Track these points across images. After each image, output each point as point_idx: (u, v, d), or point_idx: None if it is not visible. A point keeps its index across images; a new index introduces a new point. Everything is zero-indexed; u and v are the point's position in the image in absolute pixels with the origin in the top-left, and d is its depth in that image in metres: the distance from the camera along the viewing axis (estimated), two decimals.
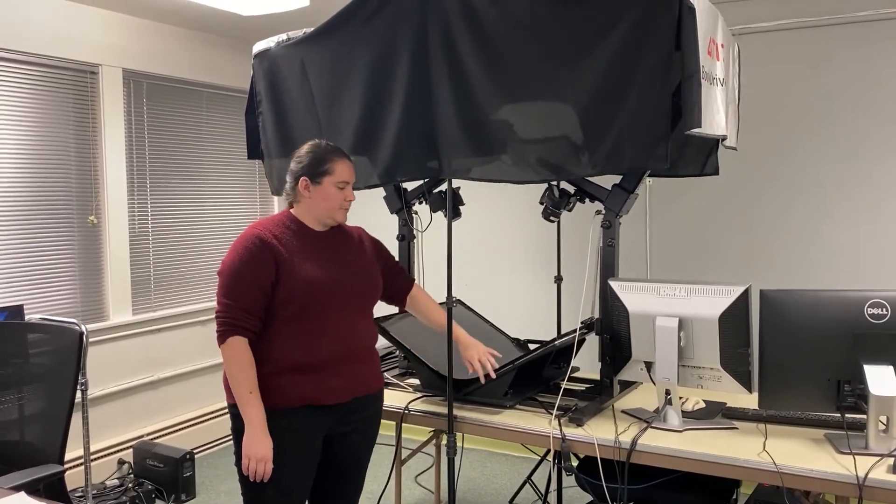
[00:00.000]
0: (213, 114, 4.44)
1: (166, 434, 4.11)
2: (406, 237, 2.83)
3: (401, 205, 2.80)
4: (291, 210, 2.13)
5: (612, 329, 2.30)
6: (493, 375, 2.24)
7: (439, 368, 2.41)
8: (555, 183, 2.51)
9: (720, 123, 2.16)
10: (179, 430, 4.18)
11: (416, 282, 2.45)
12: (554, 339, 2.47)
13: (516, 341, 2.96)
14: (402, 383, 2.67)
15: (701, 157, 2.64)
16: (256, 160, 2.76)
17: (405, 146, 2.25)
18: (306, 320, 2.00)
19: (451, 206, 2.25)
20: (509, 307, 4.17)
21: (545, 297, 3.94)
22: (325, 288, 2.03)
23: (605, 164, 1.98)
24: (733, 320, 2.10)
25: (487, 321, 2.97)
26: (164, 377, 4.14)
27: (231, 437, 2.33)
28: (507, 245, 4.24)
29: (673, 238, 3.78)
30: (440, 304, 2.86)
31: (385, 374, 2.77)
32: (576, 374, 2.77)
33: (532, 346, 2.94)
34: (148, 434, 4.02)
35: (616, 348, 2.31)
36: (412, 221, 2.80)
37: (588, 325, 2.44)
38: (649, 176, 2.41)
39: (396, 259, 2.44)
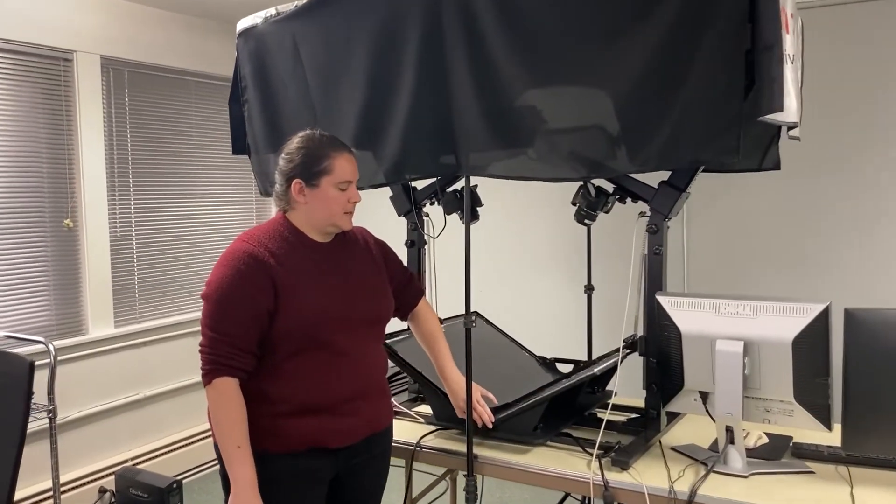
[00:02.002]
0: (202, 104, 4.18)
1: (154, 458, 3.85)
2: (416, 243, 2.54)
3: (410, 206, 2.50)
4: (286, 216, 1.84)
5: (661, 352, 2.02)
6: (489, 424, 2.00)
7: None
8: (590, 180, 2.21)
9: (791, 107, 1.85)
10: (168, 452, 3.92)
11: (424, 294, 2.16)
12: (590, 363, 2.18)
13: (542, 361, 2.66)
14: (411, 412, 2.38)
15: (759, 149, 2.33)
16: (244, 155, 2.47)
17: (415, 139, 1.97)
18: (313, 356, 1.75)
19: (469, 207, 1.96)
20: (533, 320, 3.87)
21: (574, 309, 3.63)
22: (336, 316, 1.78)
23: (657, 159, 1.70)
24: (810, 344, 1.81)
25: (510, 337, 2.68)
26: (150, 395, 3.88)
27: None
28: (529, 249, 3.93)
29: (716, 243, 3.44)
30: (453, 317, 2.59)
31: (392, 399, 2.48)
32: (613, 400, 2.47)
33: (560, 367, 2.65)
34: (133, 458, 3.75)
35: (665, 375, 2.03)
36: (423, 225, 2.51)
37: (630, 345, 2.14)
38: (704, 170, 2.10)
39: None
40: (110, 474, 3.61)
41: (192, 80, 4.12)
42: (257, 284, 1.70)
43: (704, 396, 1.98)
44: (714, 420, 1.93)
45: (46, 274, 3.44)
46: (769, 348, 1.85)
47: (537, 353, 2.69)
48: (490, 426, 2.01)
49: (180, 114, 4.08)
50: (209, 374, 1.69)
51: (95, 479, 3.59)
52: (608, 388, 2.49)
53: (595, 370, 1.96)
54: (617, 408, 2.45)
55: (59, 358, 3.44)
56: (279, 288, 1.72)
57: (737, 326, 1.90)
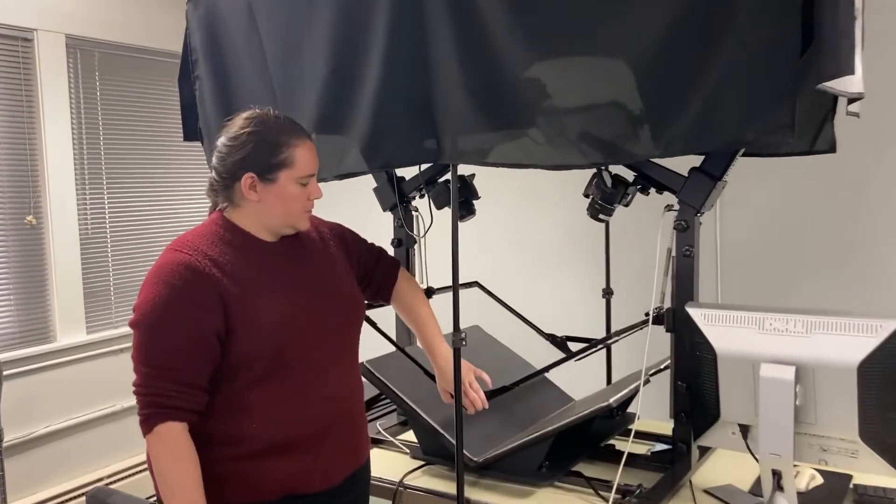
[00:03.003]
0: None
1: (131, 475, 3.60)
2: (404, 242, 2.23)
3: (396, 200, 2.19)
4: (225, 215, 1.54)
5: (692, 375, 1.70)
6: (485, 405, 1.73)
7: (447, 430, 1.82)
8: (605, 167, 1.88)
9: (859, 73, 1.49)
10: (146, 470, 3.65)
11: (399, 265, 1.88)
12: (608, 338, 1.85)
13: (552, 339, 2.33)
14: (396, 441, 2.07)
15: (812, 127, 1.98)
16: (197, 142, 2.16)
17: (389, 119, 1.68)
18: (281, 381, 1.48)
19: (458, 201, 1.64)
20: (543, 325, 3.51)
21: (590, 316, 3.27)
22: (304, 328, 1.51)
23: (688, 140, 1.38)
24: (881, 370, 1.51)
25: (510, 308, 2.37)
26: (127, 407, 3.62)
27: None
28: (538, 248, 3.58)
29: (756, 242, 3.04)
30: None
31: (374, 423, 2.19)
32: (636, 425, 2.14)
33: (571, 347, 2.31)
34: (109, 476, 3.51)
35: (697, 402, 1.72)
36: (411, 223, 2.19)
37: (656, 317, 1.80)
38: (744, 154, 1.77)
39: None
40: (80, 495, 3.36)
41: (173, 62, 3.82)
42: (200, 302, 1.41)
43: (745, 430, 1.66)
44: (757, 460, 1.60)
45: (7, 277, 3.18)
46: (828, 375, 1.52)
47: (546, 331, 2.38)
48: (485, 406, 1.73)
49: (160, 99, 3.80)
50: (149, 420, 1.40)
51: (66, 501, 3.34)
52: (630, 408, 2.17)
53: (611, 401, 1.63)
54: (640, 435, 2.12)
55: (24, 368, 3.20)
56: (229, 304, 1.43)
57: (786, 347, 1.57)
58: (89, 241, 3.50)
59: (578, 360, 1.94)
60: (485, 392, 1.73)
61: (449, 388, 1.72)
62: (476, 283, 2.40)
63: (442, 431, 1.84)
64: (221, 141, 1.52)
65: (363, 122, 1.69)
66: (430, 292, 2.16)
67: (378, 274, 1.81)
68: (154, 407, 1.39)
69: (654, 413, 2.18)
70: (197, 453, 1.41)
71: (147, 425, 1.39)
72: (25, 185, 3.22)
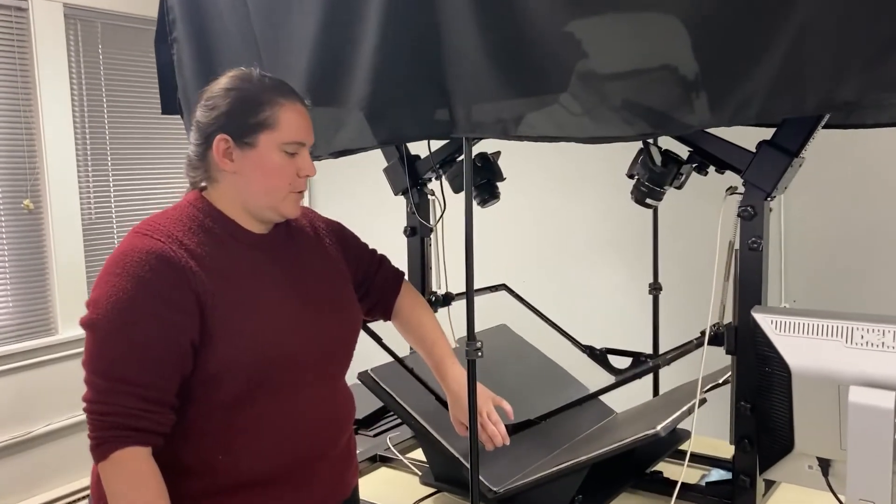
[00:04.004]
0: None
1: None
2: (418, 231, 1.97)
3: (410, 182, 1.93)
4: (204, 195, 1.32)
5: (759, 394, 1.42)
6: (506, 441, 1.48)
7: (464, 454, 1.57)
8: (652, 142, 1.59)
9: None
10: None
11: (405, 277, 1.64)
12: (656, 356, 1.58)
13: (590, 351, 2.05)
14: (405, 460, 1.83)
15: None
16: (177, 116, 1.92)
17: (391, 85, 1.44)
18: (261, 402, 1.25)
19: (471, 184, 1.38)
20: (581, 326, 3.21)
21: (637, 314, 2.95)
22: (293, 340, 1.29)
23: (764, 104, 1.09)
24: None
25: (542, 315, 2.10)
26: None
27: None
28: (575, 236, 3.27)
29: (831, 231, 2.68)
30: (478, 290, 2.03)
31: (383, 437, 1.95)
32: (689, 446, 1.86)
33: (613, 362, 2.04)
34: None
35: (764, 428, 1.44)
36: (427, 208, 1.94)
37: (713, 337, 1.54)
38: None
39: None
40: (84, 497, 3.23)
41: None
42: (173, 301, 1.18)
43: (826, 465, 1.39)
44: (840, 503, 1.32)
45: (3, 265, 3.03)
46: None
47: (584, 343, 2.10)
48: (506, 443, 1.48)
49: None
50: (104, 445, 1.16)
51: (77, 499, 3.21)
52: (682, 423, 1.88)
53: (658, 428, 1.36)
54: (693, 458, 1.83)
55: (23, 363, 3.07)
56: (206, 306, 1.20)
57: (883, 366, 1.28)
58: (93, 227, 3.34)
59: (620, 379, 1.67)
60: (507, 425, 1.47)
61: (463, 417, 1.47)
62: (504, 287, 2.13)
63: (457, 455, 1.58)
64: (199, 105, 1.30)
65: (360, 89, 1.44)
66: (448, 299, 1.91)
67: (378, 284, 1.57)
68: (113, 429, 1.15)
69: (711, 429, 1.88)
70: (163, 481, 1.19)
71: (101, 451, 1.16)
72: (22, 168, 3.06)
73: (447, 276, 2.04)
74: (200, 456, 1.23)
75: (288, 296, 1.31)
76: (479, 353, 1.39)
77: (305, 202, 4.20)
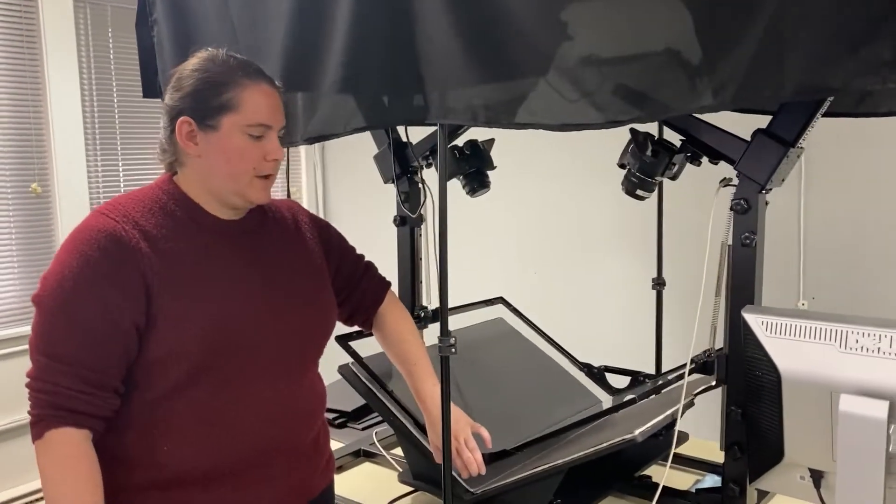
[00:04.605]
0: None
1: None
2: (408, 221, 1.92)
3: (400, 170, 1.88)
4: (174, 179, 1.30)
5: (748, 399, 1.35)
6: (482, 471, 1.41)
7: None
8: (643, 129, 1.51)
9: None
10: None
11: (390, 286, 1.60)
12: (656, 376, 1.52)
13: (587, 370, 2.01)
14: (388, 456, 1.79)
15: None
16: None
17: (364, 71, 1.38)
18: (209, 393, 1.22)
19: (444, 171, 1.33)
20: (580, 322, 3.15)
21: (640, 311, 2.87)
22: (249, 330, 1.25)
23: (743, 87, 1.03)
24: None
25: (545, 335, 2.04)
26: None
27: None
28: (576, 228, 3.19)
29: (855, 227, 2.57)
30: (469, 305, 1.98)
31: (370, 429, 1.91)
32: (682, 449, 1.80)
33: (610, 381, 1.99)
34: None
35: (755, 435, 1.37)
36: (417, 197, 1.89)
37: (701, 366, 1.48)
38: (831, 114, 1.38)
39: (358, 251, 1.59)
40: None
41: None
42: (118, 282, 1.16)
43: (818, 477, 1.31)
44: None
45: (10, 250, 3.05)
46: None
47: (582, 360, 2.05)
48: (482, 472, 1.42)
49: None
50: (40, 424, 1.15)
51: None
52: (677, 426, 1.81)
53: (636, 433, 1.29)
54: (688, 461, 1.77)
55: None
56: (153, 288, 1.18)
57: (878, 373, 1.20)
58: None
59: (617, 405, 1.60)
60: (484, 454, 1.42)
61: (439, 446, 1.41)
62: (500, 300, 2.08)
63: (433, 451, 1.53)
64: (169, 84, 1.27)
65: (333, 73, 1.39)
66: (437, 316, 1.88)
67: (361, 290, 1.52)
68: (49, 407, 1.14)
69: (711, 431, 1.81)
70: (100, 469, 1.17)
71: (36, 430, 1.15)
72: (30, 151, 3.07)
73: (431, 266, 1.99)
74: (143, 446, 1.20)
75: (249, 282, 1.27)
76: (453, 350, 1.34)
77: (320, 192, 4.18)
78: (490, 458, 1.44)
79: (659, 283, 2.09)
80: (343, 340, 1.70)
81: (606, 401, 1.93)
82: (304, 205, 4.16)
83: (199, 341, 1.19)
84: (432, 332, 1.69)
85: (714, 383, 1.57)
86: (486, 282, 3.35)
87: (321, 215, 4.26)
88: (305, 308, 1.34)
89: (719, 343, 1.47)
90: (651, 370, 2.15)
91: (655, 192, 2.04)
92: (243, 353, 1.24)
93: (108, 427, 1.19)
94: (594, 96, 1.12)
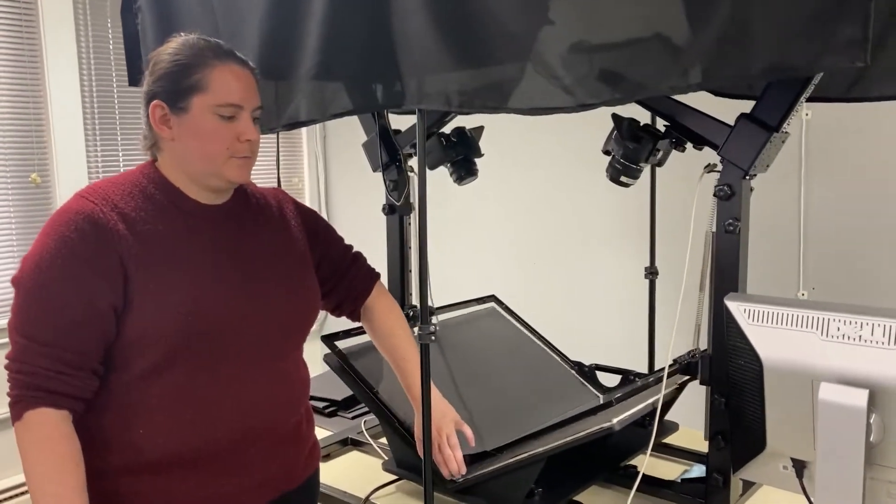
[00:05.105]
0: None
1: None
2: (397, 209, 1.91)
3: (389, 157, 1.87)
4: (156, 164, 1.31)
5: (731, 388, 1.33)
6: (462, 470, 1.42)
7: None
8: (627, 114, 1.50)
9: None
10: None
11: (378, 278, 1.59)
12: (648, 375, 1.51)
13: (578, 368, 2.00)
14: (374, 444, 1.79)
15: None
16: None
17: (341, 56, 1.37)
18: (186, 376, 1.23)
19: (423, 159, 1.32)
20: (573, 313, 3.13)
21: (633, 300, 2.85)
22: (228, 314, 1.25)
23: (709, 67, 1.01)
24: None
25: (534, 331, 2.03)
26: None
27: None
28: (570, 217, 3.16)
29: (853, 218, 2.54)
30: (460, 303, 1.97)
31: (359, 419, 1.92)
32: (671, 438, 1.78)
33: (602, 379, 1.98)
34: None
35: (738, 425, 1.36)
36: (405, 185, 1.88)
37: (685, 367, 1.47)
38: (811, 100, 1.35)
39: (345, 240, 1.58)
40: None
41: None
42: (95, 263, 1.17)
43: (800, 467, 1.30)
44: (810, 502, 1.24)
45: (10, 240, 3.06)
46: None
47: (575, 359, 2.04)
48: (459, 475, 1.42)
49: None
50: (19, 404, 1.16)
51: None
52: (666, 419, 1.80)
53: (614, 422, 1.28)
54: (677, 451, 1.75)
55: None
56: (130, 269, 1.18)
57: (859, 361, 1.18)
58: None
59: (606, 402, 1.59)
60: (465, 455, 1.42)
61: (419, 438, 1.41)
62: (493, 298, 2.06)
63: (416, 441, 1.53)
64: (146, 71, 1.28)
65: (310, 59, 1.38)
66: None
67: (348, 280, 1.52)
68: (27, 388, 1.15)
69: (701, 420, 1.79)
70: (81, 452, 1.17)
71: (15, 411, 1.16)
72: (29, 140, 3.07)
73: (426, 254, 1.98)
74: (121, 429, 1.21)
75: (230, 269, 1.27)
76: (433, 338, 1.33)
77: (322, 184, 4.17)
78: (471, 459, 1.44)
79: (652, 273, 2.07)
80: (329, 340, 1.69)
81: (597, 399, 1.92)
82: (307, 197, 4.23)
83: (176, 323, 1.19)
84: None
85: (683, 374, 1.56)
86: (479, 273, 3.35)
87: (323, 207, 4.26)
88: (286, 294, 1.34)
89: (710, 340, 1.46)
90: (646, 361, 2.15)
91: (648, 180, 2.05)
92: (221, 336, 1.24)
93: (87, 408, 1.20)
94: (564, 80, 1.11)
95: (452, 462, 1.42)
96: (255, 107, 1.27)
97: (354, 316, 1.57)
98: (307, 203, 4.14)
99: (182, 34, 1.28)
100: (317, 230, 1.47)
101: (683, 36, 1.00)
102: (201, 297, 1.22)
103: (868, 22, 0.85)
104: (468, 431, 1.46)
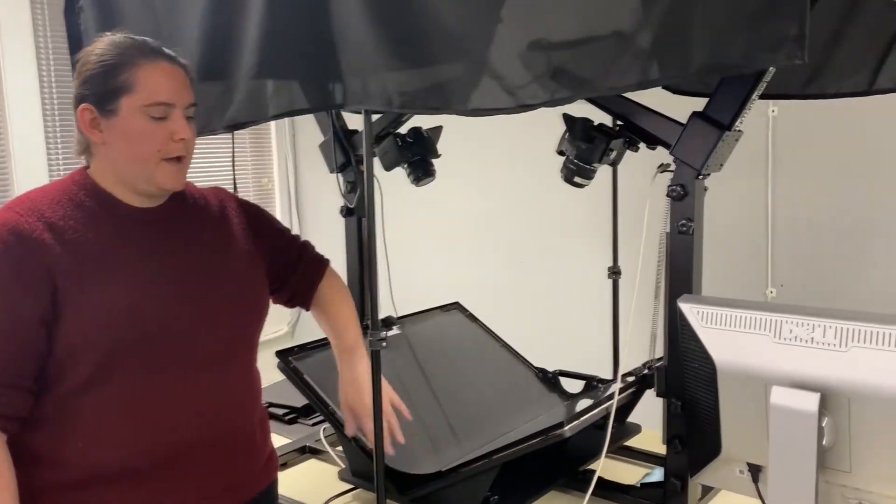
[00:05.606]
0: None
1: None
2: (354, 211, 1.87)
3: (343, 159, 1.84)
4: (87, 171, 1.26)
5: (686, 391, 1.31)
6: (400, 439, 1.40)
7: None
8: (579, 114, 1.48)
9: None
10: None
11: (329, 264, 1.54)
12: (610, 382, 1.48)
13: (542, 374, 1.98)
14: (332, 452, 1.76)
15: (869, 61, 1.50)
16: None
17: (281, 56, 1.33)
18: (123, 387, 1.18)
19: (370, 159, 1.28)
20: (537, 315, 3.10)
21: (598, 301, 2.82)
22: (162, 321, 1.20)
23: (645, 64, 0.98)
24: None
25: (498, 338, 2.00)
26: None
27: None
28: (532, 217, 3.13)
29: (820, 215, 2.53)
30: (424, 311, 1.94)
31: (319, 426, 1.88)
32: (632, 441, 1.76)
33: (563, 385, 1.96)
34: None
35: (694, 429, 1.35)
36: (371, 189, 1.83)
37: (641, 379, 1.45)
38: (772, 97, 1.33)
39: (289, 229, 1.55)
40: None
41: None
42: (21, 276, 1.12)
43: (756, 471, 1.28)
44: None
45: None
46: (869, 406, 1.10)
47: (538, 364, 2.01)
48: (400, 440, 1.40)
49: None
50: None
51: None
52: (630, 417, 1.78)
53: (566, 429, 1.25)
54: (639, 455, 1.73)
55: None
56: (59, 281, 1.14)
57: (811, 364, 1.17)
58: None
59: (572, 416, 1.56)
60: (416, 475, 1.39)
61: (357, 408, 1.37)
62: (457, 305, 2.04)
63: (370, 447, 1.49)
64: (75, 72, 1.24)
65: (250, 59, 1.35)
66: (388, 323, 1.83)
67: (299, 273, 1.48)
68: None
69: (650, 417, 1.78)
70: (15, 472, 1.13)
71: None
72: None
73: (388, 259, 1.94)
74: (55, 445, 1.16)
75: (167, 272, 1.22)
76: (383, 344, 1.30)
77: (292, 183, 4.11)
78: (424, 479, 1.41)
79: (615, 272, 2.04)
80: (283, 355, 1.65)
81: (560, 406, 1.89)
82: (276, 196, 4.17)
83: (107, 330, 1.15)
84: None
85: (638, 385, 1.53)
86: (444, 274, 3.31)
87: (294, 206, 4.20)
88: (231, 295, 1.29)
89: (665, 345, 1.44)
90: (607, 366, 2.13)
91: (610, 179, 2.02)
92: (157, 341, 1.19)
93: (23, 426, 1.15)
94: (505, 80, 1.08)
95: (395, 432, 1.40)
96: (188, 104, 1.22)
97: (307, 305, 1.52)
98: (277, 203, 4.14)
99: (108, 34, 1.24)
100: (261, 227, 1.42)
101: (624, 34, 0.97)
102: (135, 303, 1.17)
103: (804, 19, 0.83)
104: (404, 408, 1.44)
